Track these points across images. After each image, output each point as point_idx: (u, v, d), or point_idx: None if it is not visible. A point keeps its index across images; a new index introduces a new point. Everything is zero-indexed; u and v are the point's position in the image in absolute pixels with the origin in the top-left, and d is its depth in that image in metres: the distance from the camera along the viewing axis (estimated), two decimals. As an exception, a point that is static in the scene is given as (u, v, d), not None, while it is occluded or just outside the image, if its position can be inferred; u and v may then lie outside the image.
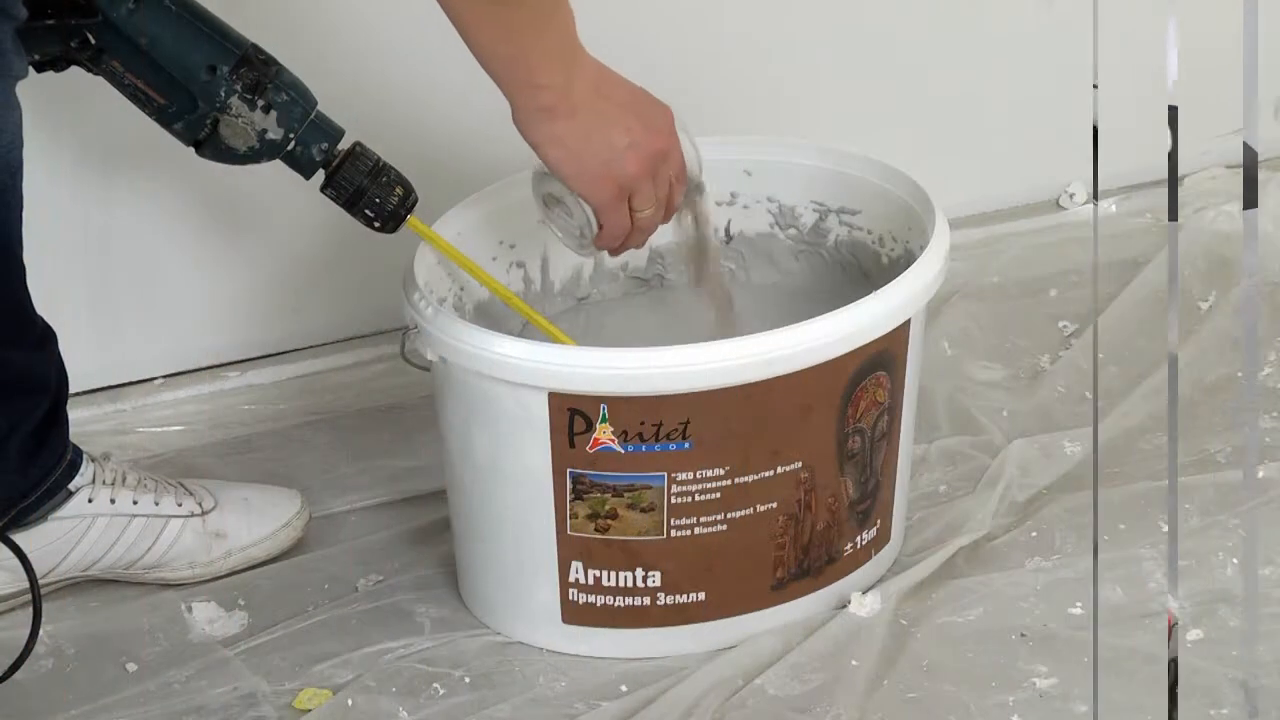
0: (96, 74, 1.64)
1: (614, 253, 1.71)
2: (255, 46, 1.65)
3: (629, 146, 1.61)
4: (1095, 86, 1.20)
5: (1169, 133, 1.16)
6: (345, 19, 2.01)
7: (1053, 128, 2.37)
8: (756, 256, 1.91)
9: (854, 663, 1.64)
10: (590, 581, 1.65)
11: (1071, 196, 2.39)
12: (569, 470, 1.60)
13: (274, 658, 1.71)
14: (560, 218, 1.68)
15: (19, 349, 1.67)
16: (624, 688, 1.65)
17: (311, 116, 1.67)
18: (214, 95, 1.63)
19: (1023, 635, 1.67)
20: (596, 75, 1.60)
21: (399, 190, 1.69)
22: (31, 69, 1.58)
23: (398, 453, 1.98)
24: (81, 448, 1.76)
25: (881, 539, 1.74)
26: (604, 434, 1.58)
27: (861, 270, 1.85)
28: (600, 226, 1.65)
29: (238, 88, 1.63)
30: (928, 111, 2.29)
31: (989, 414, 1.98)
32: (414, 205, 1.70)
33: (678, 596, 1.65)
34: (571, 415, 1.57)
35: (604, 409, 1.57)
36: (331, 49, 1.96)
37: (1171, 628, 1.58)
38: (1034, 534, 1.80)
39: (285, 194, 1.81)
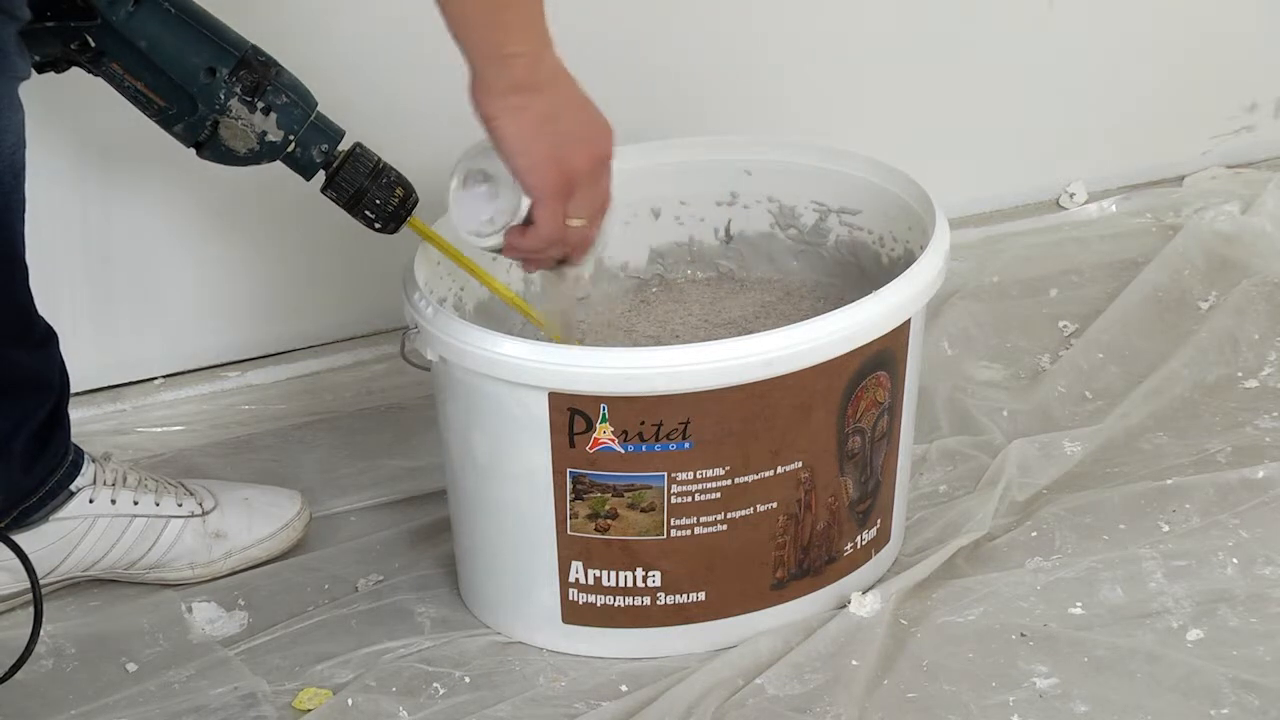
0: (97, 75, 1.64)
1: (525, 259, 1.59)
2: (255, 48, 1.65)
3: (582, 140, 1.53)
4: None
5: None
6: (346, 20, 2.01)
7: (1053, 128, 2.37)
8: (756, 256, 1.91)
9: (854, 663, 1.64)
10: (590, 581, 1.65)
11: (1071, 196, 2.40)
12: (569, 470, 1.60)
13: (274, 658, 1.71)
14: (479, 199, 1.59)
15: (22, 349, 1.67)
16: (624, 688, 1.65)
17: (311, 118, 1.67)
18: (213, 98, 1.63)
19: (1023, 635, 1.67)
20: (559, 63, 1.53)
21: (399, 191, 1.69)
22: (32, 70, 1.58)
23: (398, 453, 1.98)
24: (82, 448, 1.76)
25: (881, 539, 1.74)
26: (604, 434, 1.58)
27: (861, 270, 1.85)
28: (529, 222, 1.54)
29: (237, 90, 1.63)
30: (928, 111, 2.29)
31: (989, 414, 1.98)
32: (414, 206, 1.70)
33: (678, 596, 1.65)
34: (571, 415, 1.57)
35: (604, 409, 1.57)
36: (332, 50, 1.96)
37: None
38: (1034, 534, 1.80)
39: (285, 194, 1.81)
